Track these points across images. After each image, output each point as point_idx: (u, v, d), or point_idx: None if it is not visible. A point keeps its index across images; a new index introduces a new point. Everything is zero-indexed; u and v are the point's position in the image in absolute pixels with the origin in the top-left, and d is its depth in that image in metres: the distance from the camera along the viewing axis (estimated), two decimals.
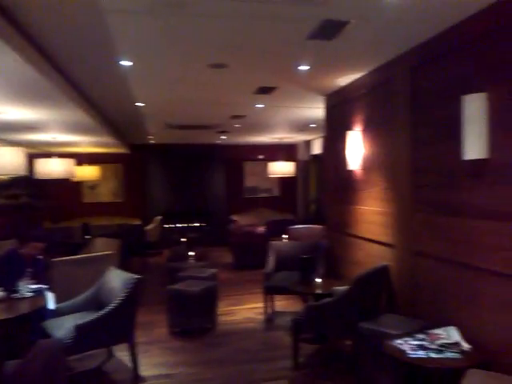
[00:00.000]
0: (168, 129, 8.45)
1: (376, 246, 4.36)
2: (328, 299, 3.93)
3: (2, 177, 5.81)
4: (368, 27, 3.16)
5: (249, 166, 12.33)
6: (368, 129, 4.60)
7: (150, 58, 3.91)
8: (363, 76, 4.58)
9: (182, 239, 8.53)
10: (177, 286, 5.17)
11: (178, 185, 11.70)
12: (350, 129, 4.90)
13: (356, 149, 4.75)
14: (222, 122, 7.80)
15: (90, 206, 11.25)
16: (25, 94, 4.43)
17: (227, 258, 9.48)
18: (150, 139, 10.27)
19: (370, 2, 2.71)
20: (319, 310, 3.94)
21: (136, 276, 3.92)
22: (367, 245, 4.55)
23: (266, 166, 10.30)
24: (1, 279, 4.27)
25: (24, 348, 3.16)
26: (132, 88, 4.99)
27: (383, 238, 4.19)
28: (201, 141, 10.91)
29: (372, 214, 4.44)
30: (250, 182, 12.38)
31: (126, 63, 3.94)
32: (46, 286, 4.22)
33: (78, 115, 5.62)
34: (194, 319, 4.99)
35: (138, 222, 10.44)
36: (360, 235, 4.70)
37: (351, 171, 4.91)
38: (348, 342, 4.25)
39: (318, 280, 4.69)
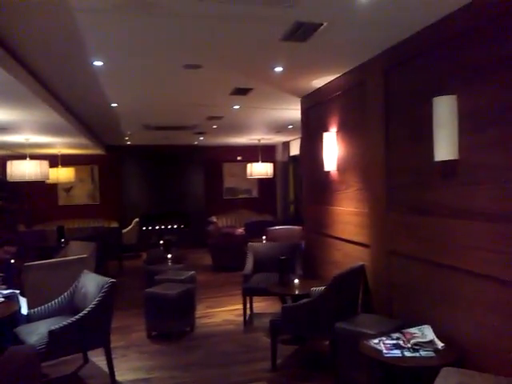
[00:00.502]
0: (145, 130, 8.37)
1: (352, 246, 4.40)
2: (305, 300, 3.94)
3: None
4: (341, 29, 3.19)
5: (228, 168, 12.31)
6: (343, 130, 4.64)
7: (121, 58, 3.86)
8: (338, 78, 4.62)
9: (160, 241, 8.45)
10: (154, 289, 5.11)
11: (155, 186, 11.57)
12: (325, 130, 4.93)
13: (332, 150, 4.78)
14: (200, 122, 7.76)
15: (66, 209, 11.04)
16: None
17: (206, 259, 9.43)
18: (127, 140, 10.14)
19: (342, 4, 2.73)
20: (296, 310, 3.95)
21: (111, 280, 3.85)
22: (344, 245, 4.59)
23: (245, 168, 10.30)
24: None
25: None
26: (104, 89, 4.91)
27: (359, 238, 4.23)
28: (179, 142, 10.83)
29: (348, 214, 4.48)
30: (229, 183, 12.36)
31: (97, 63, 3.88)
32: (17, 291, 4.12)
33: (52, 116, 5.50)
34: (171, 322, 4.94)
35: (114, 225, 10.30)
36: (337, 235, 4.74)
37: (327, 172, 4.94)
38: (326, 343, 4.27)
39: (297, 281, 4.70)
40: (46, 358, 3.48)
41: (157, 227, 11.38)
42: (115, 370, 3.95)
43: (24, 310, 3.96)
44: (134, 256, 10.11)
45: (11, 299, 3.99)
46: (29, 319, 3.99)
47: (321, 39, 3.34)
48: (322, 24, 3.04)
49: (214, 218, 11.24)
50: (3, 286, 4.10)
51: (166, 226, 11.47)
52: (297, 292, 4.49)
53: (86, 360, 4.29)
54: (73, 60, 4.00)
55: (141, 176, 11.58)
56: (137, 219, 10.71)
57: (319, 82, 4.83)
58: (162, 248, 7.91)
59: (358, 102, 4.27)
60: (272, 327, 4.05)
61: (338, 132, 4.74)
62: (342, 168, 4.67)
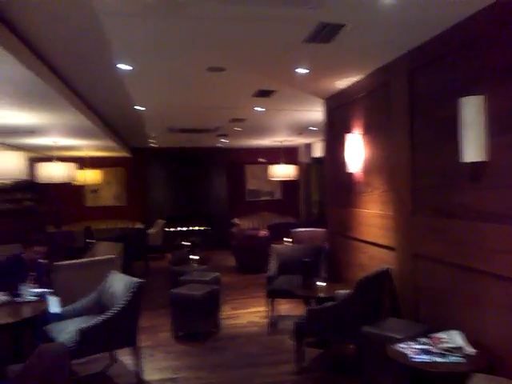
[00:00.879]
0: (169, 132, 8.48)
1: (377, 248, 4.35)
2: (330, 303, 3.93)
3: (5, 181, 5.82)
4: (365, 30, 3.17)
5: (250, 169, 12.35)
6: (368, 131, 4.60)
7: (147, 61, 3.93)
8: (362, 79, 4.59)
9: (184, 243, 8.54)
10: (180, 290, 5.17)
11: (179, 188, 11.72)
12: (349, 131, 4.90)
13: (356, 151, 4.75)
14: (222, 125, 7.82)
15: (93, 210, 11.28)
16: (25, 98, 4.45)
17: (230, 261, 9.48)
18: (152, 143, 10.29)
19: (366, 5, 2.71)
20: (321, 313, 3.94)
21: (139, 280, 3.93)
22: (369, 248, 4.55)
23: (267, 170, 10.32)
24: (4, 283, 4.29)
25: (27, 352, 3.17)
26: (130, 91, 5.00)
27: (384, 241, 4.19)
28: (202, 144, 10.93)
29: (373, 216, 4.44)
30: (251, 185, 12.39)
31: (124, 67, 3.95)
32: (49, 290, 4.23)
33: (79, 119, 5.64)
34: (197, 323, 5.00)
35: (140, 226, 10.45)
36: (361, 238, 4.70)
37: (352, 174, 4.91)
38: (351, 346, 4.24)
39: (321, 283, 4.69)
40: (75, 356, 3.57)
41: (181, 228, 11.51)
42: (142, 369, 4.02)
43: (57, 309, 4.06)
44: (158, 257, 10.24)
45: (42, 298, 4.09)
46: (58, 317, 4.09)
47: (344, 40, 3.33)
48: (345, 25, 3.03)
49: (236, 220, 11.29)
50: (34, 285, 4.22)
51: (190, 228, 11.59)
52: (321, 295, 4.47)
53: (114, 359, 4.38)
54: (100, 63, 4.10)
55: (165, 178, 11.73)
56: (162, 221, 10.86)
57: (343, 83, 4.80)
58: (186, 249, 8.00)
59: (382, 103, 4.23)
60: (297, 330, 4.05)
61: (362, 133, 4.70)
62: (366, 170, 4.64)
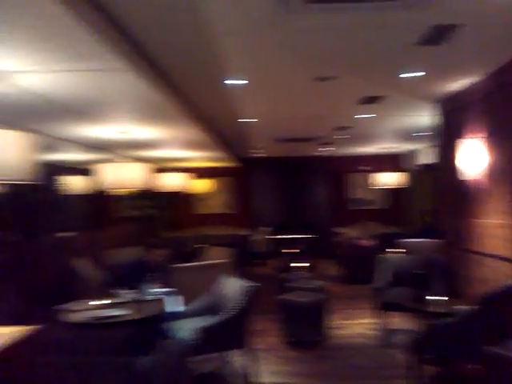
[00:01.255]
0: (275, 142, 8.70)
1: (501, 262, 4.02)
2: (452, 319, 3.70)
3: (131, 190, 6.43)
4: (480, 29, 3.00)
5: (352, 178, 12.13)
6: (489, 136, 4.28)
7: (257, 74, 4.09)
8: (480, 80, 4.29)
9: (286, 250, 8.65)
10: (288, 296, 5.26)
11: (282, 196, 11.96)
12: (466, 136, 4.61)
13: (475, 157, 4.45)
14: (326, 133, 7.83)
15: (202, 217, 11.94)
16: (148, 114, 4.89)
17: (334, 270, 9.38)
18: (257, 153, 10.64)
19: (482, 3, 2.56)
20: (442, 329, 3.73)
21: (253, 284, 4.09)
22: (490, 261, 4.21)
23: (369, 178, 10.05)
24: (129, 282, 4.74)
25: (150, 346, 3.46)
26: (245, 104, 5.23)
27: (509, 254, 3.85)
28: (305, 153, 11.03)
29: (495, 227, 4.11)
30: (353, 193, 12.17)
31: (238, 82, 4.15)
32: (171, 290, 4.56)
33: (192, 132, 6.05)
34: (305, 330, 5.04)
35: (246, 233, 10.84)
36: (481, 251, 4.37)
37: (470, 182, 4.60)
38: (470, 366, 3.95)
39: (434, 298, 4.43)
40: (194, 354, 3.81)
41: (283, 236, 11.67)
42: (254, 372, 4.15)
43: (179, 308, 4.36)
44: (260, 263, 10.50)
45: (164, 297, 4.43)
46: (175, 316, 4.38)
47: (458, 41, 3.17)
48: (461, 25, 2.89)
49: (340, 229, 11.15)
50: (157, 286, 4.58)
51: (293, 236, 11.69)
52: (437, 310, 4.23)
53: (225, 360, 4.57)
54: (213, 79, 4.35)
55: (269, 186, 12.05)
56: (265, 228, 11.15)
57: (457, 85, 4.56)
58: (290, 257, 8.10)
59: (502, 106, 3.92)
60: (414, 345, 3.87)
61: (481, 138, 4.39)
62: (486, 177, 4.31)
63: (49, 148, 5.93)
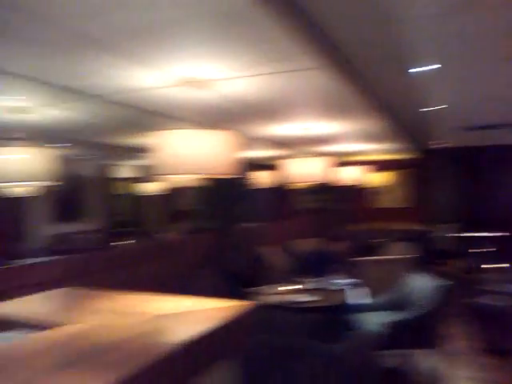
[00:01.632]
0: (460, 130, 7.96)
1: None
2: None
3: (313, 184, 6.68)
4: None
5: None
6: None
7: (455, 58, 3.81)
8: None
9: (473, 249, 7.84)
10: (482, 300, 4.81)
11: (467, 190, 10.87)
12: None
13: None
14: None
15: (379, 211, 11.67)
16: (333, 109, 4.96)
17: None
18: (438, 143, 9.89)
19: None
20: None
21: (446, 282, 3.87)
22: None
23: None
24: (313, 271, 4.95)
25: (337, 335, 3.54)
26: (423, 92, 4.92)
27: None
28: (494, 142, 9.80)
29: None
30: None
31: (431, 67, 3.92)
32: (357, 281, 4.62)
33: (372, 124, 5.94)
34: (502, 337, 4.53)
35: (425, 228, 10.21)
36: None
37: None
38: None
39: None
40: (381, 348, 3.78)
41: (469, 234, 10.61)
42: (446, 375, 3.92)
43: (365, 300, 4.39)
44: (441, 262, 9.73)
45: (349, 288, 4.50)
46: (363, 308, 4.40)
47: None
48: None
49: None
50: (341, 276, 4.68)
51: (481, 234, 10.53)
52: None
53: (409, 358, 4.40)
54: (396, 67, 4.18)
55: (452, 179, 11.09)
56: (444, 224, 10.31)
57: None
58: (478, 257, 7.36)
59: None
60: None
61: None
62: None
63: (244, 146, 6.55)
